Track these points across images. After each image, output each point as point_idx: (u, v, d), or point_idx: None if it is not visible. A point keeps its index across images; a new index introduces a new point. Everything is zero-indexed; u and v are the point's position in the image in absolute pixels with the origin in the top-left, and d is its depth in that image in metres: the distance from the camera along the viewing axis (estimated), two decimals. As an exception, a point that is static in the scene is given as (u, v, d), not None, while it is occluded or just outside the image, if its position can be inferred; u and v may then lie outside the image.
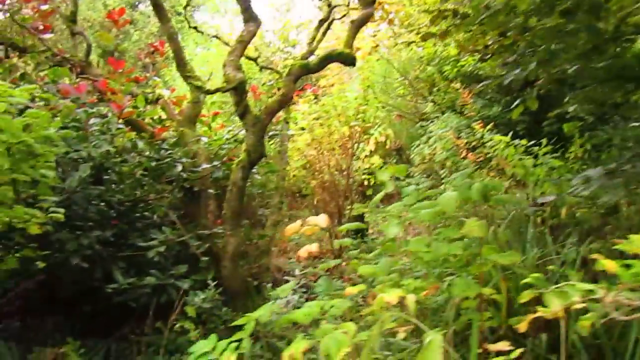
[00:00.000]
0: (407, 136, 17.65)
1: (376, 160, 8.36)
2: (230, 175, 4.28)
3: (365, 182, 8.66)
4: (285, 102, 3.90)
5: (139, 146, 4.03)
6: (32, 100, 3.92)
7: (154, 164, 4.25)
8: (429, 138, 9.99)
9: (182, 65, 4.79)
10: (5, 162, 1.99)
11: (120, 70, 4.47)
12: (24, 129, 2.13)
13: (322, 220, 2.23)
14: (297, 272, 4.14)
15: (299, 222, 2.23)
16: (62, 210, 2.64)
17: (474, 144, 5.62)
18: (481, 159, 5.07)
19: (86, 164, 3.65)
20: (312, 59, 3.95)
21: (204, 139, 4.57)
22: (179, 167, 4.12)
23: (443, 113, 9.82)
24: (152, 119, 4.54)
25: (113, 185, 4.40)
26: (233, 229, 4.13)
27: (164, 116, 4.93)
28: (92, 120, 3.82)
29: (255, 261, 4.80)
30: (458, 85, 6.85)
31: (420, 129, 11.95)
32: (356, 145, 7.26)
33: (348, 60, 3.92)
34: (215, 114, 5.38)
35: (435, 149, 9.09)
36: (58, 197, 3.55)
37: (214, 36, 5.40)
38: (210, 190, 4.72)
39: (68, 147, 3.51)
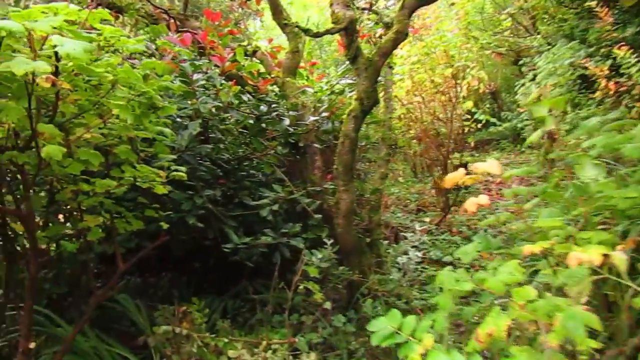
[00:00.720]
0: (501, 78, 16.44)
1: (469, 105, 7.70)
2: (338, 127, 3.99)
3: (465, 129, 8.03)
4: (400, 40, 3.48)
5: (244, 101, 3.83)
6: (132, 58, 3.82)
7: (258, 119, 4.06)
8: (536, 75, 9.05)
9: (277, 12, 4.48)
10: (128, 115, 1.81)
11: (217, 23, 4.26)
12: (143, 80, 1.93)
13: (494, 166, 1.86)
14: (417, 226, 3.81)
15: (461, 170, 1.88)
16: (183, 168, 2.48)
17: (606, 72, 4.84)
18: (623, 88, 4.34)
19: (195, 121, 3.50)
20: (429, -13, 3.48)
21: (310, 90, 4.28)
22: (286, 121, 3.88)
23: (549, 45, 8.80)
24: (250, 72, 4.30)
25: (218, 143, 4.29)
26: (346, 184, 3.86)
27: (261, 69, 4.69)
28: (194, 76, 3.65)
29: (366, 217, 4.53)
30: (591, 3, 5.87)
31: (523, 67, 10.92)
32: (459, 88, 6.66)
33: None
34: (313, 64, 5.06)
35: (546, 85, 8.20)
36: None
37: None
38: (316, 145, 4.47)
39: (179, 105, 3.38)
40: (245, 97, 3.86)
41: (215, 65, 3.83)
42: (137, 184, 2.32)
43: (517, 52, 12.66)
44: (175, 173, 2.36)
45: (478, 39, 7.49)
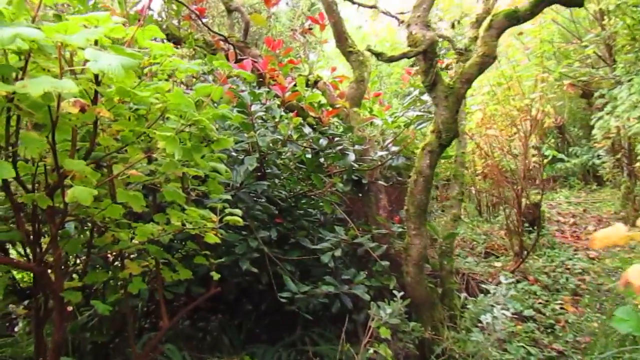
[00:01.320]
0: (568, 111, 15.54)
1: (534, 140, 7.06)
2: (405, 163, 3.56)
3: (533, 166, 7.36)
4: (487, 64, 3.05)
5: (305, 134, 3.48)
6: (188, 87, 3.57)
7: (316, 154, 3.71)
8: (614, 107, 8.29)
9: (342, 39, 4.17)
10: (176, 149, 1.47)
11: (278, 51, 3.99)
12: (196, 108, 1.60)
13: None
14: (502, 279, 3.27)
15: (619, 226, 1.40)
16: (238, 212, 2.11)
17: None
18: None
19: (252, 156, 3.18)
20: (523, 3, 3.03)
21: (378, 122, 3.89)
22: (352, 156, 3.49)
23: (629, 74, 8.07)
24: (311, 103, 3.98)
25: (274, 179, 3.97)
26: (417, 228, 3.39)
27: (323, 100, 4.36)
28: (253, 107, 3.35)
29: (438, 264, 4.02)
30: None
31: (598, 99, 10.13)
32: (535, 122, 6.08)
33: (574, 0, 2.92)
34: (377, 95, 4.69)
35: (628, 119, 7.45)
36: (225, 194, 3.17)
37: (371, 6, 4.70)
38: (381, 182, 4.06)
39: (236, 138, 3.08)
40: (306, 130, 3.51)
41: (276, 96, 3.52)
42: (186, 230, 1.97)
43: (586, 84, 11.86)
44: (229, 217, 2.00)
45: (553, 69, 6.90)
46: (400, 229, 3.75)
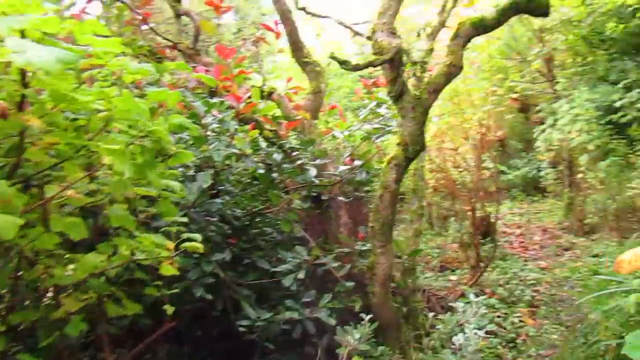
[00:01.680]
0: (508, 125, 16.11)
1: (486, 153, 7.18)
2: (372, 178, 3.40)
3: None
4: (454, 74, 2.95)
5: (261, 148, 3.25)
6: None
7: (269, 169, 3.48)
8: (556, 121, 8.58)
9: (298, 49, 3.99)
10: (127, 166, 1.20)
11: (230, 61, 3.74)
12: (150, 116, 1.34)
13: None
14: (472, 296, 3.15)
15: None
16: (198, 236, 1.84)
17: None
18: None
19: (206, 172, 2.91)
20: (489, 12, 2.97)
21: (340, 135, 3.72)
22: (313, 172, 3.29)
23: (569, 90, 8.40)
24: (266, 116, 3.76)
25: (228, 197, 3.70)
26: (383, 245, 3.23)
27: (278, 113, 4.14)
28: (206, 119, 3.08)
29: (401, 282, 3.86)
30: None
31: (540, 113, 10.51)
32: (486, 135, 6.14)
33: (541, 8, 2.89)
34: (333, 107, 4.52)
35: (570, 132, 7.72)
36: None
37: (323, 16, 4.56)
38: (341, 198, 3.87)
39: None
40: (262, 144, 3.28)
41: (229, 107, 3.27)
42: (137, 260, 1.68)
43: (526, 99, 12.32)
44: (188, 244, 1.73)
45: (501, 84, 7.04)
46: (364, 247, 3.57)
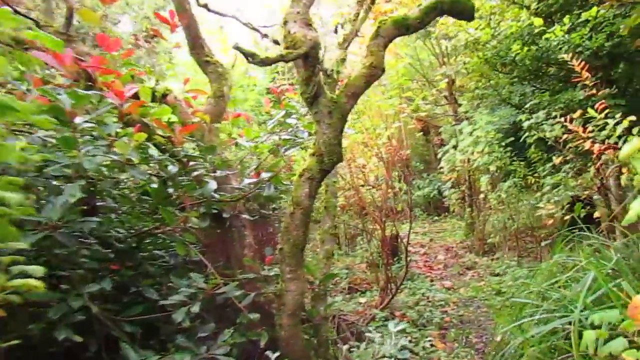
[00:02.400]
0: (411, 146, 16.62)
1: (396, 171, 7.15)
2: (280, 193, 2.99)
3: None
4: (375, 77, 2.64)
5: (151, 155, 2.72)
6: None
7: (164, 182, 2.96)
8: (458, 142, 8.80)
9: (197, 46, 3.52)
10: None
11: (115, 53, 3.18)
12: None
13: None
14: (391, 326, 2.83)
15: None
16: (39, 270, 1.31)
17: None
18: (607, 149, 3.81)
19: (75, 183, 2.32)
20: (412, 11, 2.71)
21: (246, 143, 3.26)
22: (212, 185, 2.81)
23: (466, 112, 8.66)
24: (158, 119, 3.22)
25: (110, 214, 3.11)
26: (294, 270, 2.82)
27: (173, 118, 3.61)
28: (76, 119, 2.49)
29: (311, 310, 3.46)
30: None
31: (442, 134, 10.81)
32: (396, 153, 6.02)
33: (466, 11, 2.68)
34: (238, 116, 4.08)
35: (472, 153, 7.91)
36: (30, 236, 2.25)
37: (231, 16, 4.13)
38: (245, 216, 3.41)
39: (45, 156, 2.20)
40: (152, 151, 2.76)
41: (113, 107, 2.71)
42: None
43: (429, 120, 12.71)
44: (20, 282, 1.19)
45: (410, 103, 7.03)
46: (272, 272, 3.13)
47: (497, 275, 7.16)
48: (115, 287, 2.88)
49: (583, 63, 3.99)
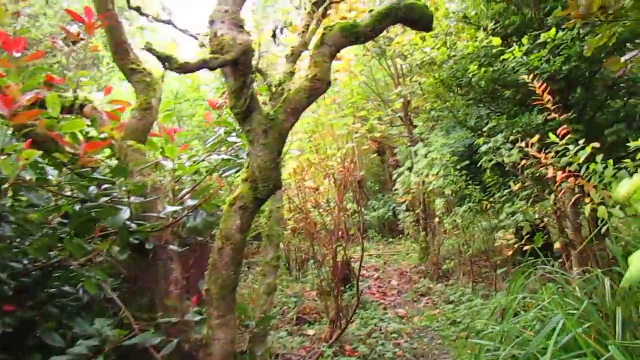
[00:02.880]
0: (365, 167, 16.48)
1: (349, 193, 6.87)
2: (213, 223, 2.57)
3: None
4: (319, 90, 2.27)
5: (47, 174, 2.26)
6: None
7: (82, 204, 2.49)
8: (412, 164, 8.60)
9: (121, 51, 3.08)
10: None
11: (19, 55, 2.69)
12: None
13: None
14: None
15: None
16: None
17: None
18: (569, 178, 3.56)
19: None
20: (363, 17, 2.38)
21: (168, 164, 2.82)
22: (125, 212, 2.35)
23: (421, 134, 8.50)
24: (73, 134, 2.75)
25: (10, 243, 2.61)
26: (223, 315, 2.38)
27: (92, 133, 3.13)
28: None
29: (248, 357, 3.02)
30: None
31: (398, 156, 10.63)
32: (349, 174, 5.69)
33: (423, 20, 2.37)
34: (173, 132, 3.63)
35: (427, 176, 7.70)
36: None
37: (166, 22, 3.71)
38: (172, 247, 2.96)
39: None
40: (52, 170, 2.28)
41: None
42: None
43: (384, 141, 12.54)
44: None
45: (362, 124, 6.74)
46: (200, 315, 2.68)
47: (452, 302, 6.90)
48: (10, 333, 2.39)
49: (544, 85, 3.81)
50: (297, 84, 2.34)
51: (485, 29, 5.18)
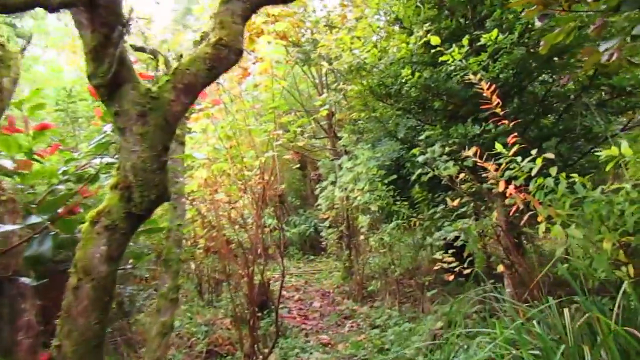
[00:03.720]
0: (286, 181, 15.88)
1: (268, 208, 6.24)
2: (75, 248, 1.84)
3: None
4: (226, 61, 1.62)
5: None
6: None
7: None
8: (336, 178, 8.13)
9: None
10: None
11: None
12: None
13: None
14: None
15: None
16: None
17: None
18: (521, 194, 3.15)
19: None
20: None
21: (6, 164, 2.04)
22: None
23: (351, 147, 8.06)
24: None
25: None
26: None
27: None
28: None
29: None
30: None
31: (321, 169, 10.12)
32: (268, 187, 5.05)
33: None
34: (44, 127, 2.84)
35: (352, 191, 7.24)
36: None
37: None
38: (24, 280, 2.17)
39: None
40: None
41: None
42: None
43: (304, 153, 12.01)
44: None
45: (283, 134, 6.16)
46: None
47: (378, 327, 6.42)
48: None
49: (490, 87, 3.43)
50: (193, 51, 1.70)
51: (417, 34, 4.80)
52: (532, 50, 4.30)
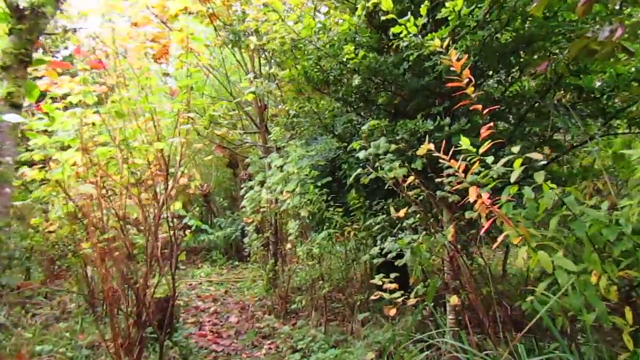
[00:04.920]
0: (215, 180, 14.69)
1: (178, 206, 5.24)
2: None
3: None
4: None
5: None
6: None
7: None
8: (265, 178, 7.22)
9: None
10: None
11: None
12: None
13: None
14: None
15: None
16: None
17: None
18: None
19: None
20: None
21: None
22: None
23: (281, 142, 7.15)
24: None
25: None
26: None
27: None
28: None
29: None
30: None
31: (250, 167, 9.13)
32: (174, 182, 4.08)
33: None
34: None
35: (281, 193, 6.35)
36: None
37: None
38: None
39: None
40: None
41: None
42: None
43: (232, 150, 10.96)
44: None
45: (203, 116, 5.17)
46: None
47: (299, 351, 5.56)
48: None
49: (460, 61, 2.68)
50: None
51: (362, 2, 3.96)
52: (497, 36, 3.63)
